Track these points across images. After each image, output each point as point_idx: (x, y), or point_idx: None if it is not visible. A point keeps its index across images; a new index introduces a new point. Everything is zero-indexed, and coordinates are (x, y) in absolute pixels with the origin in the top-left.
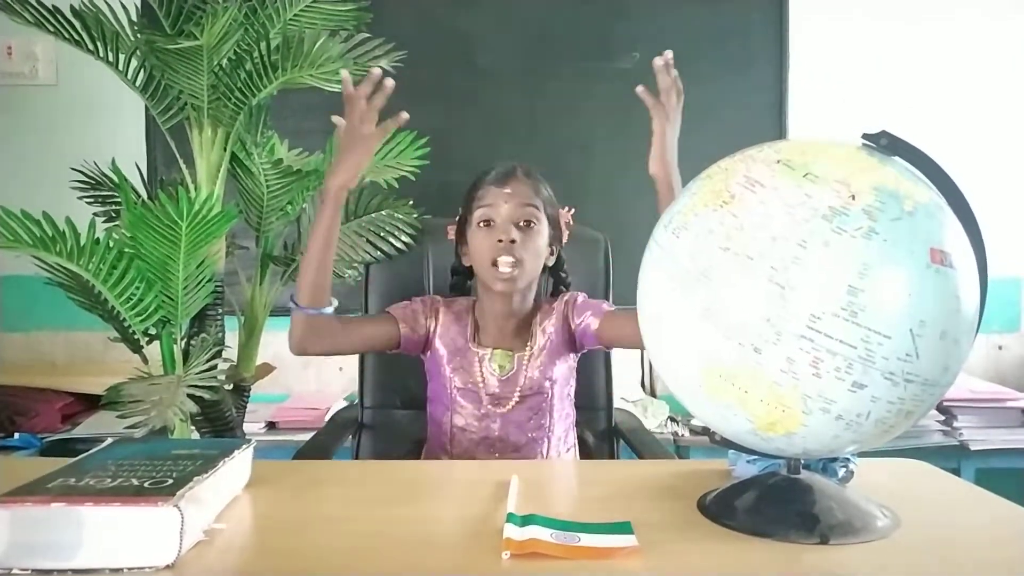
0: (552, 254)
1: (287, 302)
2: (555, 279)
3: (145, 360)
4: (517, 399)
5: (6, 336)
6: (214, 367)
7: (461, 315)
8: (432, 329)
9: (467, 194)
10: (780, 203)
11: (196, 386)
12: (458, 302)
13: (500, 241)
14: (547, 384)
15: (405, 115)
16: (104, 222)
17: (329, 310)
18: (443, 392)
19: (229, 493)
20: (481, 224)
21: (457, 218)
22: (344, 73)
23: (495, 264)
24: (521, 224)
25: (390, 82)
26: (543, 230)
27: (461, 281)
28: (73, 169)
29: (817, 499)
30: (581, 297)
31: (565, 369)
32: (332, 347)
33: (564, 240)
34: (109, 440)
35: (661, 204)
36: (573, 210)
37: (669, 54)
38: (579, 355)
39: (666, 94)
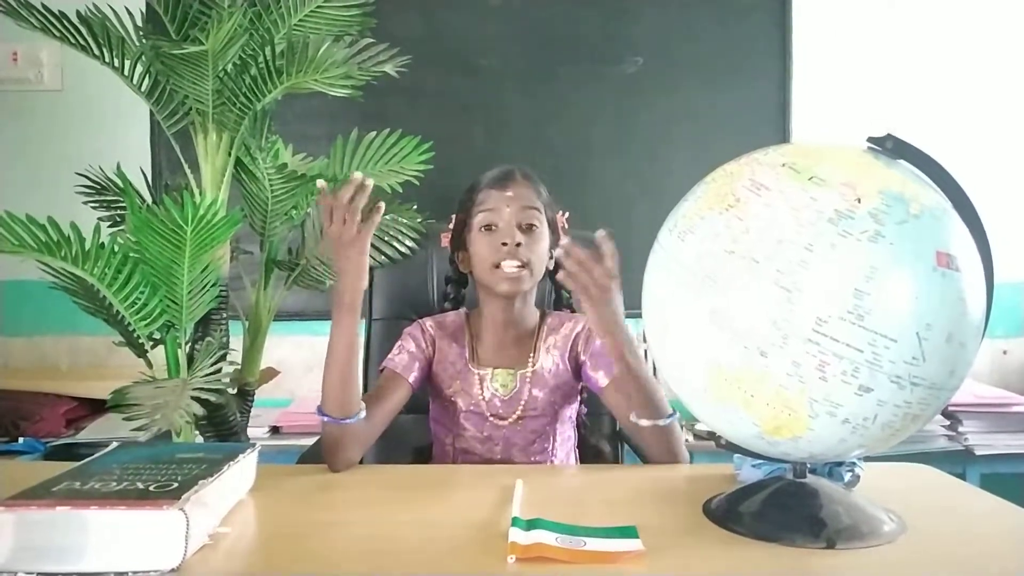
0: (551, 258)
1: (291, 307)
2: (555, 283)
3: (150, 364)
4: (519, 414)
5: (10, 341)
6: (219, 370)
7: (456, 334)
8: (431, 356)
9: (464, 198)
10: (786, 206)
11: (202, 389)
12: (449, 320)
13: (504, 244)
14: (552, 408)
15: (382, 204)
16: (109, 227)
17: (363, 415)
18: (445, 414)
19: (233, 497)
20: (483, 229)
21: (451, 224)
22: (320, 183)
23: (499, 267)
24: (524, 227)
25: (369, 181)
26: (545, 233)
27: (455, 290)
28: (78, 174)
29: (823, 503)
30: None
31: (571, 396)
32: (368, 445)
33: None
34: (114, 444)
35: (624, 392)
36: (567, 214)
37: (601, 233)
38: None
39: (591, 281)
